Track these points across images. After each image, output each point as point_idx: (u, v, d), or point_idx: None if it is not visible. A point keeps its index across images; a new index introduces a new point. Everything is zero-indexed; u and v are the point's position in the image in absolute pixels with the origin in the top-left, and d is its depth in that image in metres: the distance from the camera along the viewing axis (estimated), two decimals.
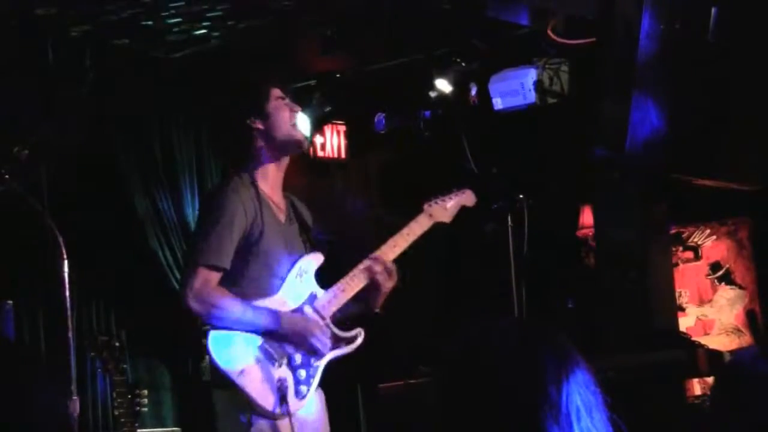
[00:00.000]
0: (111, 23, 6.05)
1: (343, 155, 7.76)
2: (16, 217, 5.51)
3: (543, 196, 5.06)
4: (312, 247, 4.56)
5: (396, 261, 4.54)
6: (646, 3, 5.52)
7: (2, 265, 6.05)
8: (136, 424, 5.02)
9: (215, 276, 4.28)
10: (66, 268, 4.55)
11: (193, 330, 6.76)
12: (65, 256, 4.55)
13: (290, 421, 4.16)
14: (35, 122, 5.81)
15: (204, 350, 6.68)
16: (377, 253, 4.49)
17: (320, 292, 4.45)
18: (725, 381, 2.28)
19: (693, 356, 5.52)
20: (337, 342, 4.45)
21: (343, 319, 4.51)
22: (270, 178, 4.49)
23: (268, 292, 4.36)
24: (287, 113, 4.49)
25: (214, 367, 4.27)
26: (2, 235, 6.03)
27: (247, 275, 4.34)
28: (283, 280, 4.39)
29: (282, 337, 4.30)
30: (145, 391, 5.09)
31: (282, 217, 4.50)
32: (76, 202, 6.21)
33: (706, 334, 7.52)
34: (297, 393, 4.28)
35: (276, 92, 4.52)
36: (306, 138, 4.66)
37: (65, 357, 4.60)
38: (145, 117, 6.71)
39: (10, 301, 5.92)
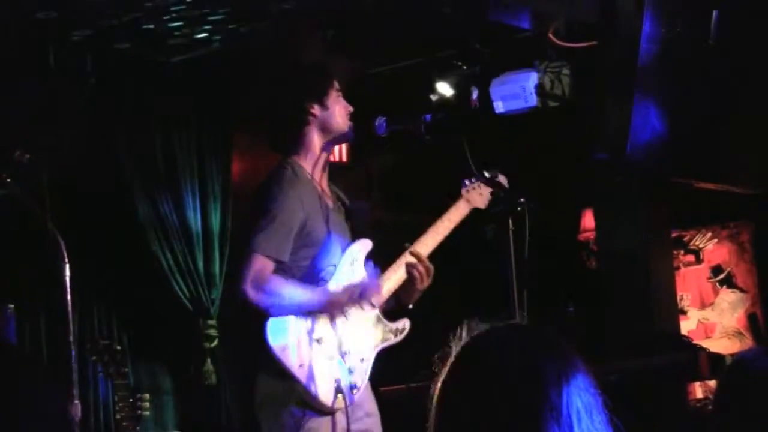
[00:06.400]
0: (112, 27, 6.06)
1: (344, 159, 7.76)
2: (17, 221, 5.51)
3: (544, 200, 5.04)
4: (357, 233, 4.55)
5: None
6: (648, 6, 5.52)
7: (3, 268, 6.05)
8: (138, 428, 5.02)
9: (270, 265, 4.22)
10: (67, 272, 4.54)
11: (193, 334, 6.78)
12: (66, 260, 4.54)
13: (346, 412, 4.18)
14: (37, 126, 5.82)
15: (206, 354, 6.76)
16: (419, 243, 4.50)
17: None
18: (729, 380, 2.28)
19: (694, 359, 5.52)
20: (386, 334, 4.46)
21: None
22: (320, 165, 4.48)
23: (321, 279, 4.34)
24: (344, 108, 4.51)
25: (269, 355, 4.16)
26: (3, 238, 6.03)
27: (300, 264, 4.31)
28: (335, 267, 4.38)
29: (337, 325, 4.28)
30: (147, 395, 5.09)
31: (331, 203, 4.50)
32: (78, 206, 6.22)
33: (708, 337, 7.52)
34: (352, 386, 4.27)
35: (336, 85, 4.53)
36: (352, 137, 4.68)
37: (67, 361, 4.59)
38: (147, 121, 6.71)
39: (12, 305, 5.92)
